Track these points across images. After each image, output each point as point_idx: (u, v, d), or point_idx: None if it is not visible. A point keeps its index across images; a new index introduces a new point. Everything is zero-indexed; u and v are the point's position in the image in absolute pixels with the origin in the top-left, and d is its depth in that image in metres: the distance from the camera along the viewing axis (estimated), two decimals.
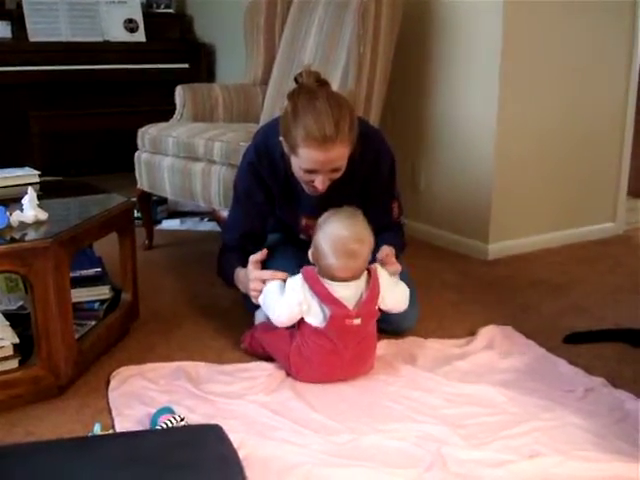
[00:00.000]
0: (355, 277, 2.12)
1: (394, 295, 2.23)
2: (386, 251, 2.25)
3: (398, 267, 2.26)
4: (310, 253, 2.16)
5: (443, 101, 3.64)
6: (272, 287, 2.18)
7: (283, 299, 2.13)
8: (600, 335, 2.54)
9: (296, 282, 2.13)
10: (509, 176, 3.48)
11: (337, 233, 2.10)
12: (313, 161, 2.19)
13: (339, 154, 2.20)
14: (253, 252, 2.37)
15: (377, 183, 2.47)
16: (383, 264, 2.23)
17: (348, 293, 2.11)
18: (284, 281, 2.18)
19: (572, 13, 3.49)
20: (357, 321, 2.10)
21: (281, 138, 2.27)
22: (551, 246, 3.66)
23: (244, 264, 2.34)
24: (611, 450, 1.81)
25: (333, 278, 2.10)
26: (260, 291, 2.21)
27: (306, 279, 2.11)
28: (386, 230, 2.45)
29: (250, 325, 2.43)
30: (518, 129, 3.46)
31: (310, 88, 2.23)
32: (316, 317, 2.10)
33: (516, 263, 3.44)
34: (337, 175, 2.28)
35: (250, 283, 2.24)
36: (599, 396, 2.11)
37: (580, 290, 3.06)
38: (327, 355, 2.12)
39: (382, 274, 2.19)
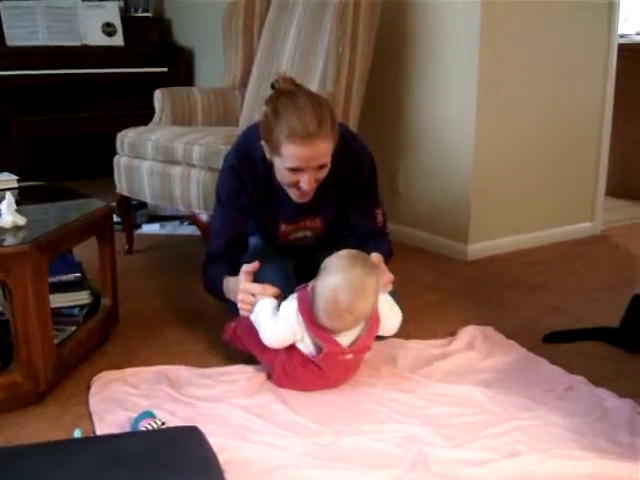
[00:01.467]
0: (353, 328, 2.08)
1: (392, 320, 2.20)
2: (376, 259, 2.21)
3: (390, 276, 2.24)
4: (310, 287, 2.07)
5: (422, 103, 3.65)
6: (264, 308, 2.11)
7: (276, 326, 2.06)
8: (579, 334, 2.56)
9: (291, 312, 2.06)
10: (488, 177, 3.49)
11: (332, 294, 1.99)
12: (298, 158, 2.18)
13: (323, 149, 2.19)
14: (239, 258, 2.36)
15: (358, 186, 2.47)
16: None
17: (347, 337, 2.08)
18: (276, 298, 2.14)
19: (550, 15, 3.52)
20: (350, 356, 2.09)
21: (262, 142, 2.26)
22: (530, 246, 3.68)
23: (232, 273, 2.31)
24: (591, 448, 1.82)
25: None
26: (249, 304, 2.16)
27: (301, 313, 2.06)
28: (372, 237, 2.46)
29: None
30: (496, 131, 3.48)
31: (289, 89, 2.23)
32: (307, 347, 2.08)
33: (496, 263, 3.45)
34: (322, 174, 2.26)
35: (239, 294, 2.19)
36: (579, 394, 2.12)
37: (559, 290, 3.08)
38: (313, 379, 2.11)
39: (382, 300, 2.14)
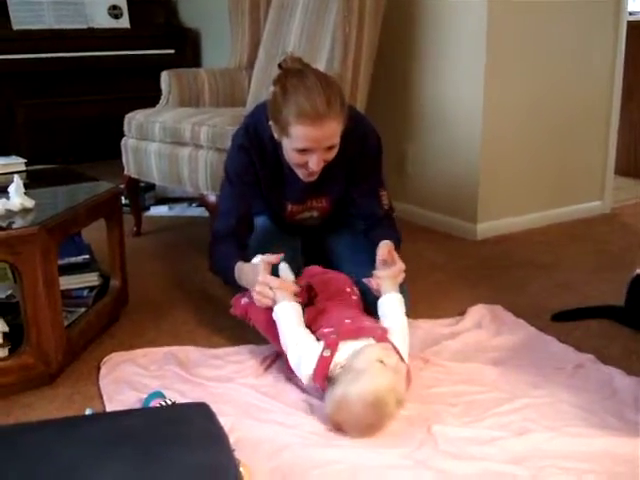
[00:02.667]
0: None
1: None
2: (387, 247, 2.19)
3: (402, 266, 2.20)
4: (332, 366, 1.90)
5: (429, 84, 3.64)
6: (287, 315, 2.04)
7: (300, 357, 1.96)
8: (588, 313, 2.55)
9: (306, 373, 1.95)
10: (496, 157, 3.48)
11: (345, 406, 1.79)
12: (307, 139, 2.16)
13: (332, 130, 2.17)
14: (247, 238, 2.35)
15: (364, 166, 2.45)
16: (385, 262, 2.18)
17: None
18: (295, 294, 2.10)
19: None
20: None
21: (270, 123, 2.25)
22: (539, 225, 3.67)
23: (241, 254, 2.30)
24: (600, 425, 1.83)
25: None
26: (267, 297, 2.09)
27: (315, 380, 1.93)
28: (378, 224, 2.44)
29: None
30: (505, 110, 3.46)
31: (297, 69, 2.22)
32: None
33: (505, 243, 3.45)
34: (331, 155, 2.24)
35: (257, 286, 2.12)
36: (588, 373, 2.12)
37: (568, 269, 3.08)
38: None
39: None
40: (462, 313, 2.56)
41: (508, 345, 2.32)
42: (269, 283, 2.10)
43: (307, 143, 2.17)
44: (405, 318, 2.12)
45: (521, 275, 3.00)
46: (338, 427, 1.82)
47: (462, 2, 3.39)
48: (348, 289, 2.24)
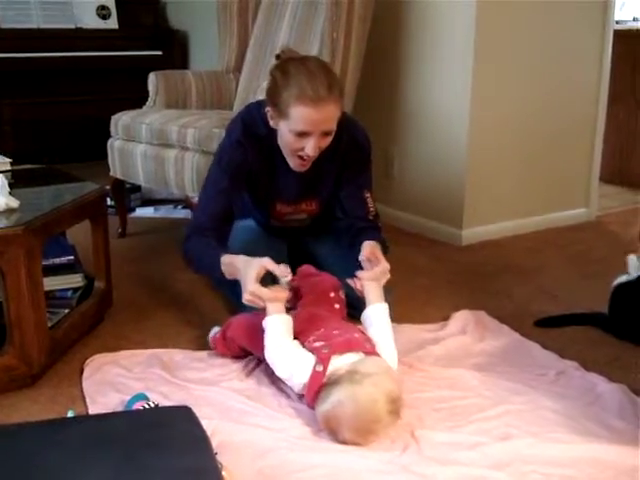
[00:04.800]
0: None
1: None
2: (370, 247, 2.19)
3: (386, 265, 2.17)
4: (325, 378, 1.87)
5: (417, 88, 3.65)
6: (275, 329, 2.01)
7: (292, 369, 1.95)
8: (571, 319, 2.56)
9: (297, 383, 1.94)
10: (482, 162, 3.49)
11: (341, 409, 1.77)
12: (306, 120, 2.16)
13: (331, 114, 2.18)
14: (228, 235, 2.33)
15: (354, 165, 2.46)
16: (370, 261, 2.17)
17: None
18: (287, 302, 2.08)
19: (547, 3, 3.51)
20: None
21: (267, 109, 2.25)
22: (524, 232, 3.68)
23: (224, 249, 2.27)
24: (582, 432, 1.84)
25: None
26: (256, 304, 2.06)
27: (307, 396, 1.91)
28: (364, 231, 2.41)
29: (224, 315, 2.41)
30: (491, 116, 3.48)
31: (299, 56, 2.24)
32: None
33: (489, 248, 3.46)
34: (326, 142, 2.25)
35: (247, 295, 2.06)
36: (571, 379, 2.13)
37: (552, 275, 3.09)
38: None
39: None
40: (446, 318, 2.56)
41: (492, 351, 2.33)
42: (260, 295, 2.04)
43: (306, 125, 2.17)
44: (391, 330, 2.10)
45: (505, 281, 3.01)
46: (331, 431, 1.80)
47: (450, 8, 3.40)
48: (332, 294, 2.23)
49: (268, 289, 2.05)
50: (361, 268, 2.19)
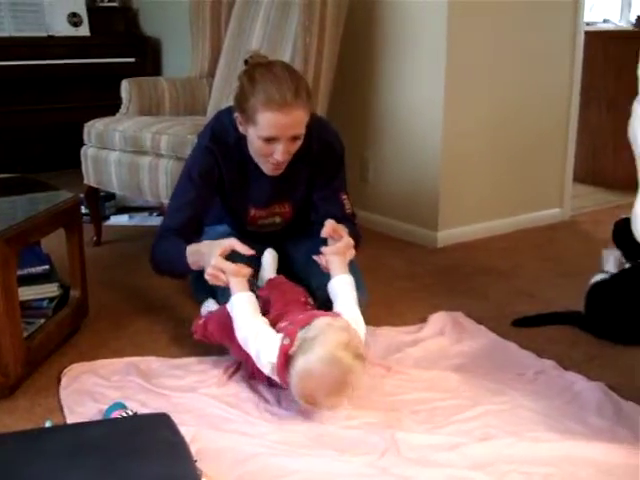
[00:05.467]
0: None
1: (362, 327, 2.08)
2: (331, 225, 2.18)
3: (349, 240, 2.19)
4: (293, 348, 1.88)
5: (391, 92, 3.66)
6: (242, 305, 2.03)
7: (260, 346, 1.96)
8: (548, 319, 2.58)
9: (267, 362, 1.94)
10: (457, 165, 3.51)
11: (308, 375, 1.83)
12: (274, 126, 2.16)
13: (299, 118, 2.19)
14: (195, 241, 2.30)
15: (327, 169, 2.46)
16: (332, 238, 2.19)
17: None
18: (252, 278, 2.11)
19: (517, 4, 3.53)
20: None
21: (236, 114, 2.26)
22: (500, 232, 3.70)
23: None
24: (561, 430, 1.85)
25: None
26: (218, 280, 2.09)
27: (278, 371, 1.91)
28: (337, 221, 2.43)
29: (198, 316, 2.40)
30: (465, 118, 3.49)
31: (265, 61, 2.24)
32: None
33: (465, 250, 3.47)
34: (295, 146, 2.25)
35: (210, 268, 2.09)
36: (549, 378, 2.15)
37: (528, 275, 3.11)
38: None
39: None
40: (424, 320, 2.57)
41: (470, 352, 2.34)
42: (222, 268, 2.08)
43: (274, 131, 2.17)
44: (356, 299, 2.12)
45: (482, 282, 3.02)
46: (311, 401, 1.84)
47: (423, 11, 3.41)
48: (303, 299, 2.24)
49: (231, 264, 2.08)
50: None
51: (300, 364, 1.83)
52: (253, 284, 2.19)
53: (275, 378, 1.96)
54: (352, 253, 2.21)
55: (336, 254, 2.17)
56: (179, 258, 2.25)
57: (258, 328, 2.00)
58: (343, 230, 2.21)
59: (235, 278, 2.07)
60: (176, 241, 2.32)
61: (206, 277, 2.12)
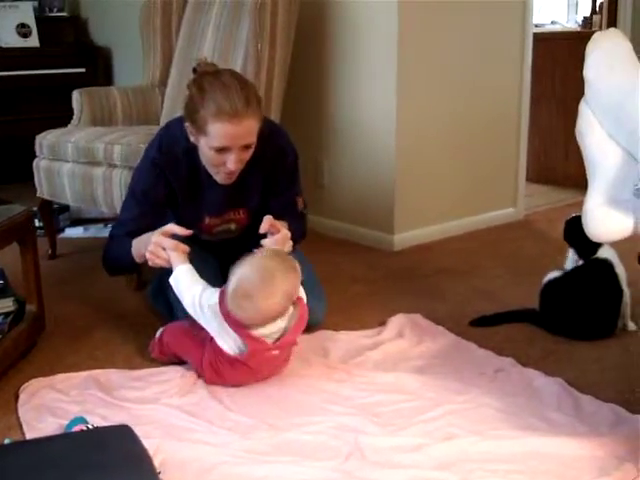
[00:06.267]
0: (270, 319, 2.03)
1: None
2: (268, 221, 2.23)
3: (286, 232, 2.24)
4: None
5: (343, 96, 3.67)
6: (183, 274, 2.14)
7: (200, 295, 2.08)
8: (505, 317, 2.61)
9: (212, 304, 2.05)
10: (411, 167, 3.53)
11: (236, 279, 2.01)
12: (225, 136, 2.16)
13: (250, 127, 2.18)
14: None
15: (280, 178, 2.48)
16: (271, 233, 2.22)
17: (267, 332, 2.05)
18: (188, 256, 2.17)
19: (467, 5, 3.57)
20: (276, 352, 2.08)
21: (187, 124, 2.24)
22: (455, 233, 3.74)
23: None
24: (523, 427, 1.87)
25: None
26: (159, 257, 2.16)
27: (220, 308, 2.03)
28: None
29: (157, 328, 2.39)
30: (417, 121, 3.52)
31: (213, 70, 2.23)
32: (231, 347, 2.06)
33: (422, 252, 3.49)
34: (248, 154, 2.25)
35: (151, 245, 2.17)
36: (509, 376, 2.17)
37: (484, 275, 3.14)
38: (242, 376, 2.10)
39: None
40: (383, 323, 2.58)
41: (430, 353, 2.35)
42: (162, 243, 2.16)
43: (225, 141, 2.17)
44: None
45: (439, 283, 3.04)
46: (245, 306, 1.97)
47: (373, 13, 3.43)
48: None
49: (170, 240, 2.18)
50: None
51: (233, 282, 1.99)
52: None
53: (217, 323, 2.04)
54: (289, 245, 2.25)
55: (274, 246, 2.20)
56: (126, 254, 2.33)
57: (201, 287, 2.11)
58: (282, 225, 2.26)
59: (174, 252, 2.15)
60: (123, 239, 2.37)
61: (147, 257, 2.19)
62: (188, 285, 2.12)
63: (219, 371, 2.10)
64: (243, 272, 2.01)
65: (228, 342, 2.05)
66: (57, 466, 1.35)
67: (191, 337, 2.19)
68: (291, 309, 2.08)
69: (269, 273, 2.00)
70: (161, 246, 2.16)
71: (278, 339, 2.06)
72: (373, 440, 1.81)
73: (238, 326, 2.01)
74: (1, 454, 1.46)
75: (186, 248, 2.17)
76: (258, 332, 2.02)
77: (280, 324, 2.06)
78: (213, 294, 2.07)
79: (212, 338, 2.09)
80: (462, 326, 2.56)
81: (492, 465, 1.70)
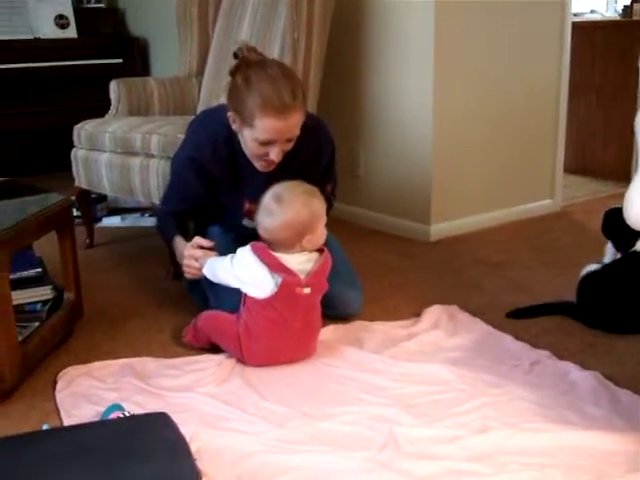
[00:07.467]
0: (296, 238, 2.11)
1: None
2: None
3: None
4: (260, 232, 2.15)
5: (380, 86, 3.66)
6: (213, 260, 2.24)
7: (232, 268, 2.15)
8: (542, 309, 2.58)
9: (245, 251, 2.13)
10: (448, 157, 3.51)
11: (294, 214, 2.10)
12: (271, 131, 2.17)
13: (296, 122, 2.19)
14: (188, 220, 2.55)
15: (317, 169, 2.48)
16: None
17: (297, 263, 2.11)
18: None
19: None
20: (307, 290, 2.11)
21: (230, 113, 2.25)
22: (492, 225, 3.71)
23: (181, 232, 2.49)
24: (558, 420, 1.85)
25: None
26: (193, 268, 2.30)
27: (254, 250, 2.10)
28: None
29: (193, 317, 2.41)
30: (455, 111, 3.49)
31: (258, 59, 2.23)
32: (264, 290, 2.09)
33: (458, 243, 3.48)
34: (290, 146, 2.27)
35: (185, 259, 2.33)
36: (544, 368, 2.15)
37: (521, 267, 3.11)
38: (275, 326, 2.13)
39: None
40: (418, 314, 2.57)
41: (465, 344, 2.34)
42: (194, 255, 2.31)
43: (271, 135, 2.18)
44: None
45: (475, 275, 3.02)
46: (275, 208, 2.10)
47: (410, 3, 3.41)
48: None
49: (200, 250, 2.32)
50: None
51: (280, 210, 2.10)
52: None
53: (249, 268, 2.11)
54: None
55: None
56: (168, 238, 2.54)
57: (229, 256, 2.19)
58: None
59: (206, 257, 2.29)
60: (170, 223, 2.55)
61: (184, 269, 2.36)
62: (219, 262, 2.21)
63: (254, 333, 2.13)
64: (276, 187, 2.14)
65: (261, 284, 2.10)
66: (95, 453, 1.36)
67: (226, 317, 2.23)
68: (316, 254, 2.16)
69: (301, 189, 2.13)
70: (194, 257, 2.30)
71: (308, 274, 2.13)
72: (408, 431, 1.81)
73: (270, 257, 2.08)
74: (40, 440, 1.48)
75: (214, 253, 2.28)
76: (290, 264, 2.09)
77: (306, 264, 2.13)
78: (242, 249, 2.15)
79: (246, 303, 2.15)
80: (498, 318, 2.54)
81: (526, 458, 1.69)
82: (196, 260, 2.29)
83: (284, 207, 2.09)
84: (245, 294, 2.14)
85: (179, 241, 2.45)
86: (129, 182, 3.09)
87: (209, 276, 2.24)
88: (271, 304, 2.10)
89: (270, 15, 3.37)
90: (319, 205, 2.14)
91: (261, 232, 2.14)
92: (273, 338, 2.15)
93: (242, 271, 2.13)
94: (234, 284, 2.16)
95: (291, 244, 2.11)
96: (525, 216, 3.86)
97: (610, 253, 2.55)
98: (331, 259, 2.19)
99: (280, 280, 2.08)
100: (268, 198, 2.12)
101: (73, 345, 2.43)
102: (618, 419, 1.85)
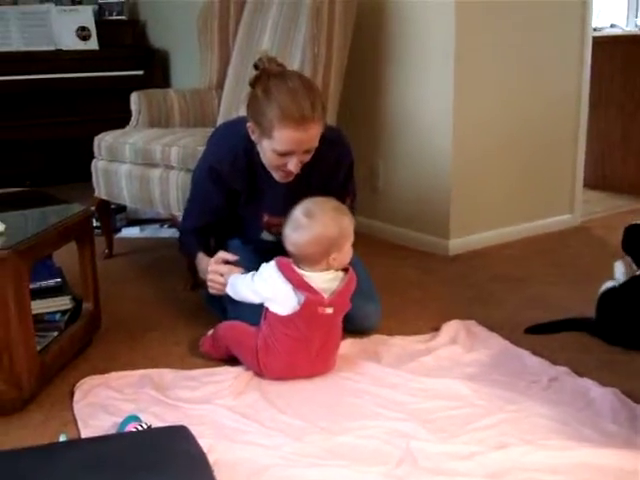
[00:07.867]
0: (323, 255, 2.10)
1: None
2: None
3: None
4: (287, 247, 2.15)
5: (399, 99, 3.66)
6: (237, 277, 2.25)
7: (254, 283, 2.16)
8: (561, 325, 2.57)
9: (269, 267, 2.13)
10: (467, 172, 3.50)
11: (322, 230, 2.10)
12: (290, 142, 2.18)
13: (315, 133, 2.20)
14: (210, 236, 2.55)
15: (335, 181, 2.49)
16: None
17: (322, 281, 2.11)
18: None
19: (526, 9, 3.53)
20: (329, 310, 2.10)
21: (249, 123, 2.26)
22: (511, 240, 3.70)
23: (204, 248, 2.51)
24: (576, 437, 1.83)
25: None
26: (218, 283, 2.32)
27: (279, 267, 2.10)
28: None
29: (211, 328, 2.41)
30: (474, 125, 3.49)
31: (278, 70, 2.24)
32: (286, 306, 2.09)
33: (477, 258, 3.46)
34: (308, 157, 2.27)
35: (208, 274, 2.35)
36: (563, 385, 2.13)
37: (540, 282, 3.09)
38: (295, 343, 2.12)
39: None
40: (436, 329, 2.56)
41: (483, 360, 2.33)
42: (218, 271, 2.32)
43: (290, 146, 2.19)
44: None
45: (494, 290, 3.01)
46: (325, 248, 2.09)
47: (430, 16, 3.41)
48: None
49: (225, 265, 2.34)
50: None
51: (308, 226, 2.10)
52: None
53: (272, 283, 2.11)
54: None
55: None
56: (190, 255, 2.61)
57: (251, 273, 2.20)
58: None
59: (231, 272, 2.30)
60: (192, 240, 2.57)
61: (208, 284, 2.37)
62: (240, 279, 2.22)
63: (273, 347, 2.13)
64: (306, 202, 2.14)
65: (283, 301, 2.09)
66: (113, 465, 1.36)
67: (246, 329, 2.24)
68: (341, 273, 2.16)
69: (331, 205, 2.14)
70: (218, 273, 2.32)
71: (332, 294, 2.12)
72: (425, 446, 1.80)
73: (294, 274, 2.08)
74: (58, 453, 1.48)
75: (239, 270, 2.29)
76: (314, 283, 2.09)
77: (331, 282, 2.13)
78: (267, 265, 2.16)
79: (267, 317, 2.15)
80: (516, 333, 2.53)
81: (544, 476, 1.67)
82: (221, 275, 2.31)
83: (313, 222, 2.09)
84: (267, 308, 2.14)
85: (202, 257, 2.47)
86: (149, 193, 3.11)
87: (231, 294, 2.25)
88: (293, 321, 2.09)
89: (291, 28, 3.39)
90: (348, 223, 2.14)
91: (288, 246, 2.13)
92: (292, 355, 2.14)
93: (265, 286, 2.13)
94: (256, 300, 2.16)
95: (317, 260, 2.10)
96: (544, 231, 3.85)
97: (619, 271, 2.53)
98: (356, 279, 2.19)
99: (303, 298, 2.07)
100: (298, 212, 2.12)
101: (91, 355, 2.44)
102: (637, 436, 1.83)
